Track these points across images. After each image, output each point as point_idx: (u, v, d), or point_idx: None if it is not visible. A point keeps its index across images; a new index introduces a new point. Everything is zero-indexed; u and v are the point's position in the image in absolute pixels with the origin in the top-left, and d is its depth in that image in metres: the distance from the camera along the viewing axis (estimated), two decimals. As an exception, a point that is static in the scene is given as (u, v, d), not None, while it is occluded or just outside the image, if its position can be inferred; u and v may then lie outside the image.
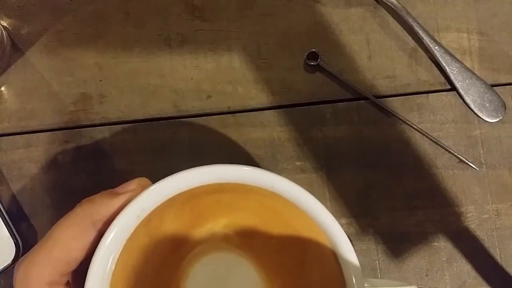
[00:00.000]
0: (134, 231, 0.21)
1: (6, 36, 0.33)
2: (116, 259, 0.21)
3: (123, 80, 0.34)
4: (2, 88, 0.34)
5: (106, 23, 0.34)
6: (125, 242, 0.21)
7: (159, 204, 0.22)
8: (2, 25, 0.33)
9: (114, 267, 0.21)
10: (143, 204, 0.21)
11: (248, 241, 0.23)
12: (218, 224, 0.23)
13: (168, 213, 0.22)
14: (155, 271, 0.22)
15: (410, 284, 0.22)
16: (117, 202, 0.21)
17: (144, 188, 0.21)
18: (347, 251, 0.22)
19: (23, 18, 0.34)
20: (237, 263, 0.22)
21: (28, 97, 0.34)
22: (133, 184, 0.22)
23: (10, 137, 0.33)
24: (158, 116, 0.34)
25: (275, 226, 0.23)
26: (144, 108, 0.34)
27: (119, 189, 0.22)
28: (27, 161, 0.33)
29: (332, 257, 0.22)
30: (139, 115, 0.34)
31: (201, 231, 0.22)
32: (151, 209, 0.21)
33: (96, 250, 0.20)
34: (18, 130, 0.33)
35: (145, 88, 0.34)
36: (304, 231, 0.22)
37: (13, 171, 0.33)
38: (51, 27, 0.34)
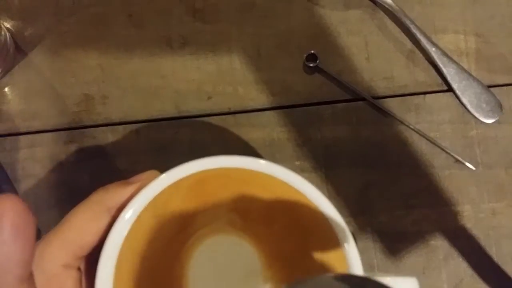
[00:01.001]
0: (141, 216, 0.22)
1: (10, 38, 0.33)
2: (123, 242, 0.22)
3: (125, 81, 0.34)
4: (6, 89, 0.34)
5: (109, 25, 0.34)
6: (132, 226, 0.22)
7: (167, 188, 0.22)
8: (5, 27, 0.34)
9: (121, 249, 0.22)
10: (154, 191, 0.22)
11: (252, 225, 0.23)
12: (223, 207, 0.23)
13: (175, 197, 0.23)
14: (160, 253, 0.22)
15: (410, 277, 0.22)
16: (130, 189, 0.22)
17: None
18: (349, 242, 0.22)
19: (26, 20, 0.34)
20: (239, 246, 0.23)
21: (31, 98, 0.34)
22: (144, 175, 0.23)
23: (14, 137, 0.34)
24: (160, 116, 0.34)
25: (279, 212, 0.23)
26: (145, 109, 0.34)
27: (131, 179, 0.23)
28: (30, 161, 0.33)
29: (335, 245, 0.22)
30: (141, 116, 0.34)
31: (206, 214, 0.23)
32: (161, 194, 0.22)
33: (110, 232, 0.21)
34: (22, 130, 0.34)
35: (147, 89, 0.34)
36: (308, 219, 0.23)
37: (17, 171, 0.33)
38: (54, 29, 0.34)
